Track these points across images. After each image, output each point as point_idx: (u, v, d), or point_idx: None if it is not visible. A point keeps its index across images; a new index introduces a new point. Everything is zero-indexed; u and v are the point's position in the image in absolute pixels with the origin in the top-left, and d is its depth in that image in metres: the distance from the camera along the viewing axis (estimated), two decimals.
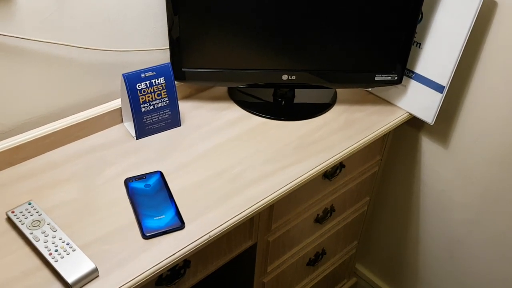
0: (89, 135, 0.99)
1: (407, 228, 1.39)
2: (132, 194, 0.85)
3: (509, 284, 1.21)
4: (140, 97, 0.97)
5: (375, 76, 1.08)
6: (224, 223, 0.82)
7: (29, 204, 0.80)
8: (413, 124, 1.24)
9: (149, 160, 0.94)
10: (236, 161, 0.95)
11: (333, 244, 1.31)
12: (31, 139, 0.92)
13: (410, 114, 1.13)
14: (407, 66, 1.10)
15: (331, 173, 1.07)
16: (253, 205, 0.86)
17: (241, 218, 0.84)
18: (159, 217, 0.81)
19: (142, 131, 0.99)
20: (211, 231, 0.81)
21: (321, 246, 1.25)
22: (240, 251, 0.97)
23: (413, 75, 1.10)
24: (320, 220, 1.16)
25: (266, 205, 0.88)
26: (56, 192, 0.86)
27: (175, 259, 0.76)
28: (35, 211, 0.79)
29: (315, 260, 1.26)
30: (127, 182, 0.88)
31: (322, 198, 1.12)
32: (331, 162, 0.97)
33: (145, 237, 0.78)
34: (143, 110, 0.98)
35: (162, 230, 0.79)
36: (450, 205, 1.25)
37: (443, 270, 1.35)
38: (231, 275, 1.16)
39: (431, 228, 1.33)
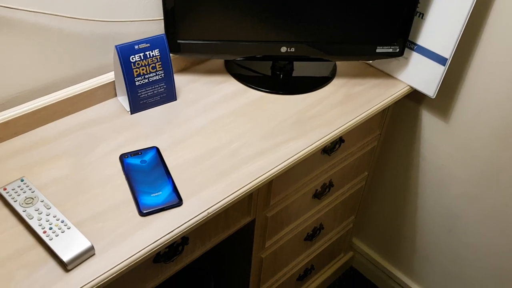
0: (81, 110, 0.96)
1: (405, 203, 1.39)
2: (127, 170, 0.83)
3: (507, 257, 1.21)
4: (134, 70, 0.93)
5: (376, 48, 1.05)
6: (222, 199, 0.80)
7: (22, 180, 0.78)
8: (414, 97, 1.22)
9: (144, 136, 0.92)
10: (234, 137, 0.93)
11: (330, 219, 1.30)
12: (22, 113, 0.88)
13: (411, 87, 1.11)
14: (409, 38, 1.07)
15: (330, 148, 1.06)
16: (251, 182, 0.84)
17: (239, 195, 0.82)
18: (156, 194, 0.79)
19: (136, 105, 0.97)
20: (209, 207, 0.79)
21: (318, 221, 1.24)
22: (239, 227, 0.96)
23: (415, 47, 1.07)
24: (318, 195, 1.15)
25: (265, 181, 0.86)
26: (48, 168, 0.83)
27: (172, 236, 0.75)
28: (28, 188, 0.77)
29: (313, 235, 1.25)
30: (123, 158, 0.86)
31: (321, 173, 1.11)
32: (330, 138, 0.95)
33: (142, 214, 0.77)
34: (137, 83, 0.95)
35: (159, 207, 0.77)
36: (450, 180, 1.24)
37: (441, 244, 1.35)
38: (230, 251, 1.15)
39: (430, 203, 1.32)
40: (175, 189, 0.80)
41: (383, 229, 1.50)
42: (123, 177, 0.83)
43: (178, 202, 0.79)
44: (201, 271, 1.21)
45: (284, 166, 0.88)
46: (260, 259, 1.12)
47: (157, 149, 0.88)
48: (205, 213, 0.78)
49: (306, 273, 1.38)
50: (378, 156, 1.35)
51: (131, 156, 0.86)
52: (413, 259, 1.45)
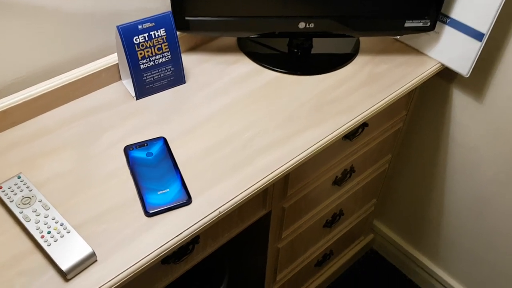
0: (84, 96, 0.90)
1: (431, 185, 1.31)
2: (132, 165, 0.77)
3: None
4: (138, 52, 0.86)
5: (405, 23, 0.95)
6: (235, 197, 0.74)
7: (18, 178, 0.72)
8: (445, 75, 1.11)
9: (150, 124, 0.85)
10: (247, 124, 0.85)
11: (351, 204, 1.23)
12: (19, 102, 0.82)
13: (442, 65, 1.01)
14: (442, 10, 0.96)
15: (352, 133, 0.97)
16: (266, 176, 0.77)
17: (253, 191, 0.75)
18: (163, 191, 0.73)
19: (142, 90, 0.89)
20: (221, 206, 0.73)
21: (338, 207, 1.18)
22: (253, 220, 0.90)
23: (448, 21, 0.96)
24: (338, 182, 1.08)
25: (281, 175, 0.79)
26: (48, 162, 0.78)
27: (181, 239, 0.69)
28: (25, 186, 0.71)
29: (332, 221, 1.19)
30: (127, 150, 0.79)
31: (342, 160, 1.03)
32: (352, 124, 0.87)
33: (148, 214, 0.71)
34: (142, 67, 0.87)
35: (166, 206, 0.71)
36: (481, 163, 1.15)
37: (469, 229, 1.27)
38: (245, 240, 1.10)
39: (458, 186, 1.24)
40: (183, 186, 0.74)
41: (407, 211, 1.43)
42: (128, 171, 0.77)
43: (187, 200, 0.72)
44: (215, 260, 1.16)
45: (302, 158, 0.81)
46: (277, 249, 1.06)
47: (165, 140, 0.81)
48: (216, 212, 0.72)
49: (325, 259, 1.32)
50: (403, 137, 1.27)
51: (136, 148, 0.79)
52: (437, 243, 1.38)
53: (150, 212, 0.71)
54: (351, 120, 0.87)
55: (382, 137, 1.11)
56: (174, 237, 0.68)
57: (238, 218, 0.86)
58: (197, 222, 0.70)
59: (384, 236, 1.52)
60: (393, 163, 1.28)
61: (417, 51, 1.04)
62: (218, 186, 0.75)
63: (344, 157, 1.03)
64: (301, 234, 1.09)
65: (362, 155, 1.09)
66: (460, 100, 1.11)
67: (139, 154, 0.78)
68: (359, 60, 1.01)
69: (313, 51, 1.03)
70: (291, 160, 0.79)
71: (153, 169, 0.76)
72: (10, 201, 0.69)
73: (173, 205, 0.72)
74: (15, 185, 0.71)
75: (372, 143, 1.09)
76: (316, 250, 1.24)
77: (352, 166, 1.08)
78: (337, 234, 1.28)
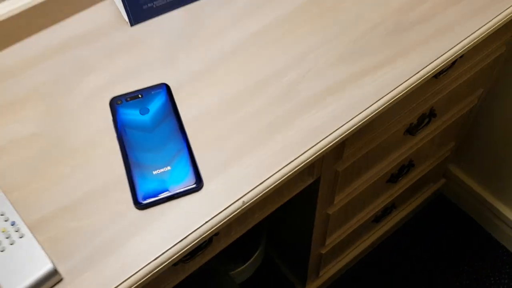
0: (62, 20, 0.64)
1: None
2: (121, 127, 0.53)
3: None
4: None
5: None
6: (267, 178, 0.50)
7: None
8: None
9: (148, 63, 0.59)
10: (290, 60, 0.58)
11: (423, 153, 0.96)
12: None
13: None
14: None
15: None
16: (316, 144, 0.52)
17: (296, 167, 0.51)
18: (163, 170, 0.50)
19: (138, 12, 0.63)
20: (246, 193, 0.49)
21: (408, 158, 0.91)
22: (293, 194, 0.66)
23: None
24: (412, 130, 0.80)
25: (338, 141, 0.53)
26: (6, 122, 0.55)
27: (187, 245, 0.47)
28: None
29: (398, 175, 0.93)
30: (115, 104, 0.55)
31: (421, 103, 0.75)
32: (449, 57, 0.58)
33: (139, 206, 0.48)
34: None
35: (167, 194, 0.48)
36: None
37: None
38: (284, 205, 0.87)
39: None
40: (192, 162, 0.50)
41: (489, 155, 1.14)
42: (115, 138, 0.53)
43: (197, 184, 0.49)
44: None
45: (371, 113, 0.54)
46: (326, 215, 0.83)
47: (167, 88, 0.56)
48: (240, 202, 0.49)
49: (385, 213, 1.09)
50: (501, 66, 0.94)
51: (127, 101, 0.55)
52: None
53: (143, 203, 0.48)
54: (447, 52, 0.58)
55: (478, 67, 0.80)
56: (177, 243, 0.46)
57: (274, 192, 0.62)
58: (211, 219, 0.47)
59: (458, 182, 1.26)
60: (482, 99, 0.97)
61: None
62: (243, 161, 0.51)
63: (423, 100, 0.74)
64: (357, 195, 0.85)
65: (447, 95, 0.80)
66: None
67: (131, 110, 0.54)
68: None
69: None
70: (355, 117, 0.53)
71: (149, 134, 0.52)
72: None
73: (177, 191, 0.48)
74: None
75: (462, 77, 0.79)
76: (375, 207, 1.00)
77: (432, 109, 0.80)
78: (402, 187, 1.03)
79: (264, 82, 0.57)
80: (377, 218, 1.08)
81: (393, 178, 0.93)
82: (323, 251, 0.96)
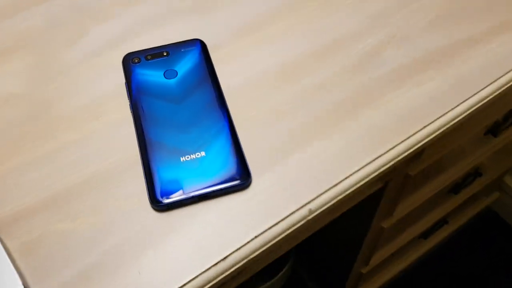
0: None
1: None
2: (137, 94, 0.38)
3: None
4: None
5: None
6: (343, 180, 0.34)
7: None
8: None
9: (177, 11, 0.44)
10: (369, 18, 0.43)
11: (495, 159, 0.80)
12: None
13: None
14: None
15: None
16: (412, 135, 0.36)
17: (381, 168, 0.35)
18: (194, 156, 0.34)
19: None
20: (313, 199, 0.33)
21: (477, 165, 0.76)
22: (358, 201, 0.51)
23: None
24: (495, 130, 0.64)
25: (440, 133, 0.38)
26: None
27: (226, 269, 0.31)
28: None
29: (462, 184, 0.78)
30: (130, 63, 0.40)
31: None
32: None
33: (158, 205, 0.33)
34: None
35: (199, 192, 0.33)
36: None
37: None
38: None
39: None
40: (236, 148, 0.35)
41: None
42: (128, 106, 0.38)
43: (243, 180, 0.34)
44: None
45: (487, 96, 0.38)
46: (380, 229, 0.68)
47: (202, 46, 0.41)
48: (305, 211, 0.33)
49: (434, 229, 0.93)
50: None
51: (147, 59, 0.40)
52: None
53: (163, 202, 0.33)
54: None
55: None
56: (212, 266, 0.31)
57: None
58: (260, 234, 0.32)
59: None
60: None
61: None
62: (305, 151, 0.35)
63: None
64: (418, 206, 0.69)
65: None
66: None
67: (152, 72, 0.39)
68: None
69: None
70: (467, 99, 0.37)
71: (176, 106, 0.37)
72: None
73: (212, 188, 0.33)
74: None
75: None
76: (428, 221, 0.84)
77: None
78: (462, 198, 0.87)
79: (334, 46, 0.41)
80: (424, 234, 0.92)
81: (456, 188, 0.77)
82: (364, 271, 0.80)
